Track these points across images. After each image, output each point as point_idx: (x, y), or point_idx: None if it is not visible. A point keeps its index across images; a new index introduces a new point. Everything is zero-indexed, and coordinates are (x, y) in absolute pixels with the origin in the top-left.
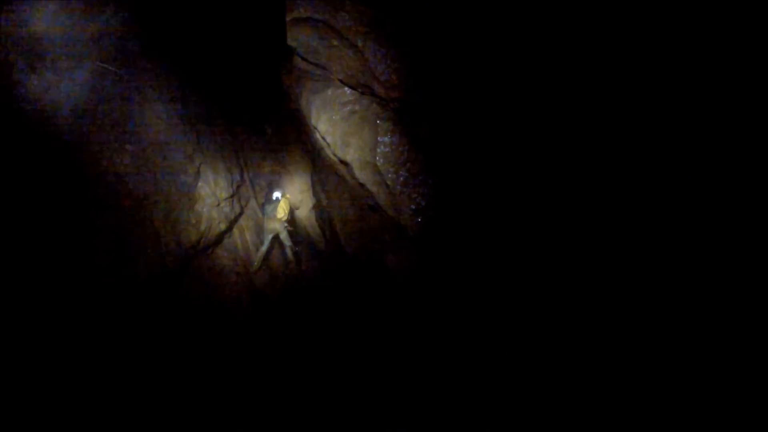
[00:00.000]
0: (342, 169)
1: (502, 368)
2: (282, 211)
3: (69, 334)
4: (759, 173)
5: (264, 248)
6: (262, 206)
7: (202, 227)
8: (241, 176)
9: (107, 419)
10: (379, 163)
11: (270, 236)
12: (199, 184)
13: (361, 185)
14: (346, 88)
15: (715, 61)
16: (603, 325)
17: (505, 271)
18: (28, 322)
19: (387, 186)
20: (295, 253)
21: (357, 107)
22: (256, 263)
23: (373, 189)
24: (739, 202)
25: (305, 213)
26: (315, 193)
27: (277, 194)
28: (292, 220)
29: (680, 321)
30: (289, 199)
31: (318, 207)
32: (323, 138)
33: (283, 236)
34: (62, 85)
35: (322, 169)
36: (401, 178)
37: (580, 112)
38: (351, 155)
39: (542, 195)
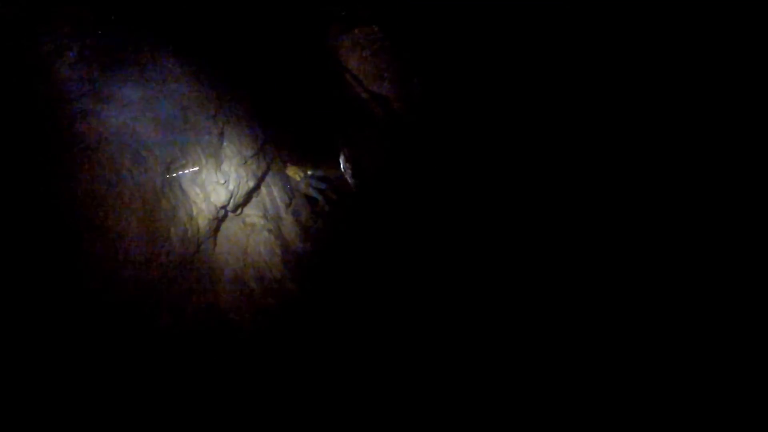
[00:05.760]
0: (374, 106)
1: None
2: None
3: (99, 306)
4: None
5: None
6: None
7: (231, 186)
8: (264, 132)
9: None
10: (416, 90)
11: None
12: (224, 143)
13: (398, 117)
14: (374, 26)
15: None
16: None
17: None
18: (51, 295)
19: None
20: (322, 208)
21: (387, 42)
22: None
23: (412, 118)
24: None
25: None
26: (341, 141)
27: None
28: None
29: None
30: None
31: (344, 155)
32: (354, 77)
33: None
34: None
35: (349, 113)
36: (436, 103)
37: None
38: (386, 88)
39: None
